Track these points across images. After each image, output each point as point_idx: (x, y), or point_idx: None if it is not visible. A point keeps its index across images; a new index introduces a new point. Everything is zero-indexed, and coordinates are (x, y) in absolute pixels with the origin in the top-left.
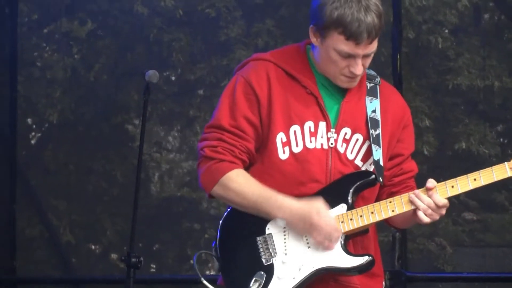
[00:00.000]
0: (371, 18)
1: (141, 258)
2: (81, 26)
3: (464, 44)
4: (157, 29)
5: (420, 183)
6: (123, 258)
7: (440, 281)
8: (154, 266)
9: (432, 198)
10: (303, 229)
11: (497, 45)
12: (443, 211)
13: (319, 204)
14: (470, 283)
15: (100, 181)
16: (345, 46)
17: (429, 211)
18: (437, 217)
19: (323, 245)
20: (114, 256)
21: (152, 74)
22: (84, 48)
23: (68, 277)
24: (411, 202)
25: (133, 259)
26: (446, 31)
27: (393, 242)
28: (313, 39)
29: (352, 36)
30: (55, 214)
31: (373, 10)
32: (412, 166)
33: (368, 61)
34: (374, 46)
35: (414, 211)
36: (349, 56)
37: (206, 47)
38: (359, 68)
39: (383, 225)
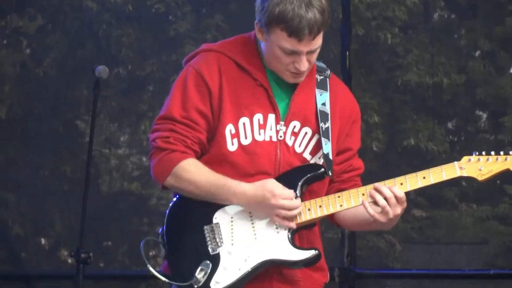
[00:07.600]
0: (312, 14)
1: (91, 254)
2: (31, 22)
3: (413, 40)
4: (106, 25)
5: (370, 179)
6: (72, 253)
7: (389, 277)
8: (103, 261)
9: (392, 190)
10: (262, 211)
11: (446, 42)
12: (399, 210)
13: (272, 185)
14: (419, 280)
15: (50, 176)
16: (288, 43)
17: (387, 208)
18: (391, 215)
19: (287, 224)
20: (63, 251)
21: (102, 70)
22: (34, 43)
23: (18, 273)
24: (371, 196)
25: (83, 255)
26: (396, 28)
27: (342, 239)
28: (259, 35)
29: (294, 32)
30: (5, 207)
31: (315, 5)
32: (360, 163)
33: (314, 56)
34: (317, 42)
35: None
36: (293, 53)
37: (156, 43)
38: (303, 65)
39: None
